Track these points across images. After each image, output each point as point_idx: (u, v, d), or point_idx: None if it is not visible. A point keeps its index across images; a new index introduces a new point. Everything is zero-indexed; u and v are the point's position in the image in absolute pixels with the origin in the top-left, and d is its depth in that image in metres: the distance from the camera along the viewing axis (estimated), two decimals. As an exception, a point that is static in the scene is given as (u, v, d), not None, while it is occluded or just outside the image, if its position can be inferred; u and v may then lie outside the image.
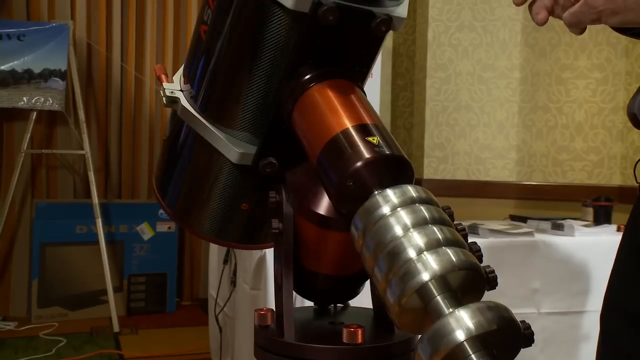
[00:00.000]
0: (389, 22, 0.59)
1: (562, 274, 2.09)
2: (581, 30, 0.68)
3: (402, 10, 0.61)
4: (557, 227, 2.21)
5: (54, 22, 3.30)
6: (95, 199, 3.17)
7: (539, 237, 2.12)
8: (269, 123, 0.63)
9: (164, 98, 0.70)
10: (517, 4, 0.72)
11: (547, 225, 2.26)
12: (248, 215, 0.72)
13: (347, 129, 0.54)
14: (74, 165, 3.57)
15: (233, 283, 2.06)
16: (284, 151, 0.64)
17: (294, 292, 0.61)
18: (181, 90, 0.71)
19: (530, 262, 2.07)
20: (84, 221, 3.31)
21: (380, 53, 0.63)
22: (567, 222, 2.23)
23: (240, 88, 0.63)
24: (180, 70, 0.74)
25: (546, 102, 3.13)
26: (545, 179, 3.14)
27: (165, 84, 0.71)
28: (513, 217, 2.56)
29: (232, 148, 0.64)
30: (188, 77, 0.70)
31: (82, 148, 3.25)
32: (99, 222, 3.16)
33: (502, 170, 3.17)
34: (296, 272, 0.60)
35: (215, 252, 2.39)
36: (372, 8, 0.59)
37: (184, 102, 0.69)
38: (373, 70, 0.71)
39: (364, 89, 0.65)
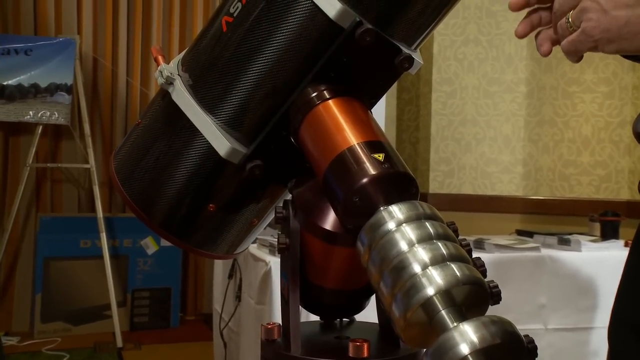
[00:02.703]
0: (412, 61, 0.62)
1: (569, 289, 2.08)
2: (578, 58, 0.71)
3: (419, 57, 0.64)
4: (564, 242, 2.21)
5: (60, 36, 3.34)
6: (100, 213, 3.19)
7: (545, 252, 2.13)
8: (271, 127, 0.63)
9: (160, 78, 0.68)
10: (514, 9, 0.74)
11: (553, 240, 2.26)
12: (213, 218, 0.69)
13: (354, 145, 0.56)
14: (78, 179, 3.59)
15: (238, 298, 2.06)
16: (274, 158, 0.64)
17: (300, 306, 0.62)
18: (179, 75, 0.69)
19: (537, 278, 2.07)
20: (88, 235, 3.33)
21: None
22: (574, 237, 2.24)
23: (254, 87, 0.63)
24: (178, 58, 0.73)
25: (552, 116, 3.14)
26: (551, 194, 3.14)
27: (163, 65, 0.69)
28: (519, 232, 2.56)
29: (224, 141, 0.63)
30: (188, 66, 0.69)
31: (87, 162, 3.27)
32: (103, 236, 3.17)
33: (509, 185, 3.17)
34: (302, 287, 0.61)
35: (220, 266, 2.40)
36: (401, 45, 0.61)
37: (180, 85, 0.67)
38: None
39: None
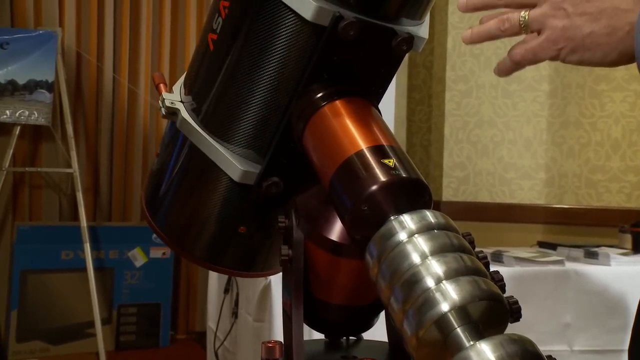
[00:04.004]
0: (411, 40, 0.61)
1: (596, 307, 2.08)
2: (512, 71, 0.73)
3: (424, 31, 0.64)
4: (591, 256, 2.21)
5: (40, 29, 3.36)
6: (83, 222, 3.20)
7: (570, 266, 2.13)
8: (277, 141, 0.65)
9: (162, 109, 0.71)
10: (463, 10, 0.75)
11: (579, 253, 2.26)
12: (246, 240, 0.73)
13: (362, 150, 0.56)
14: (60, 184, 3.61)
15: (235, 314, 2.07)
16: (290, 172, 0.65)
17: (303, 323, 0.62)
18: (181, 101, 0.72)
19: (561, 294, 2.07)
20: (70, 246, 3.33)
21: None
22: (602, 250, 2.24)
23: (249, 102, 0.65)
24: (181, 80, 0.75)
25: (578, 117, 3.15)
26: (577, 202, 3.14)
27: (164, 94, 0.72)
28: (541, 244, 2.56)
29: (235, 165, 0.66)
30: (190, 88, 0.72)
31: (69, 166, 3.28)
32: (87, 247, 3.18)
33: (530, 192, 3.18)
34: (306, 302, 0.62)
35: (214, 280, 2.41)
36: (394, 26, 0.61)
37: (184, 113, 0.70)
38: None
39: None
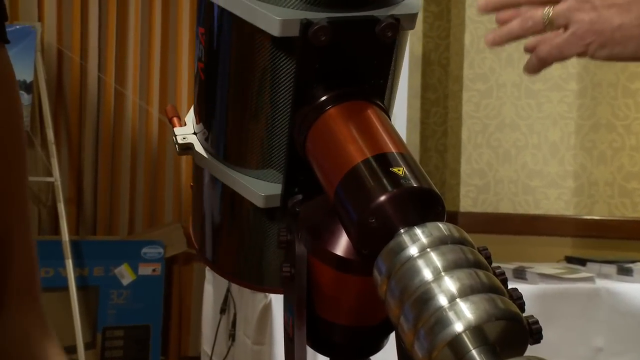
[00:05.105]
0: (396, 25, 0.61)
1: (632, 329, 2.08)
2: (539, 69, 0.74)
3: (411, 5, 0.63)
4: (625, 272, 2.21)
5: (17, 24, 3.38)
6: (65, 236, 3.21)
7: (601, 283, 2.13)
8: (288, 158, 0.66)
9: (176, 146, 0.74)
10: (483, 11, 0.77)
11: (611, 269, 2.26)
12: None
13: (368, 158, 0.57)
14: (39, 194, 3.62)
15: (232, 337, 2.08)
16: (312, 184, 0.67)
17: (307, 345, 0.63)
18: (194, 132, 0.75)
19: (592, 315, 2.07)
20: (50, 262, 3.35)
21: (407, 61, 0.66)
22: (638, 266, 2.24)
23: (249, 125, 0.68)
24: (192, 109, 0.79)
25: (610, 119, 3.15)
26: (610, 213, 3.14)
27: (176, 129, 0.75)
28: (569, 259, 2.56)
29: (256, 193, 0.68)
30: (199, 116, 0.75)
31: (50, 174, 3.30)
32: (69, 263, 3.19)
33: (556, 202, 3.18)
34: (310, 323, 0.63)
35: (209, 299, 2.42)
36: (373, 12, 0.61)
37: (198, 147, 0.74)
38: (399, 82, 0.75)
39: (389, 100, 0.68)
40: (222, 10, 0.64)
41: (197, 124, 0.75)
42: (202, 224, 0.81)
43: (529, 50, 0.81)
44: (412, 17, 0.63)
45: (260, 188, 0.68)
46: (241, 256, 0.79)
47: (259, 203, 0.69)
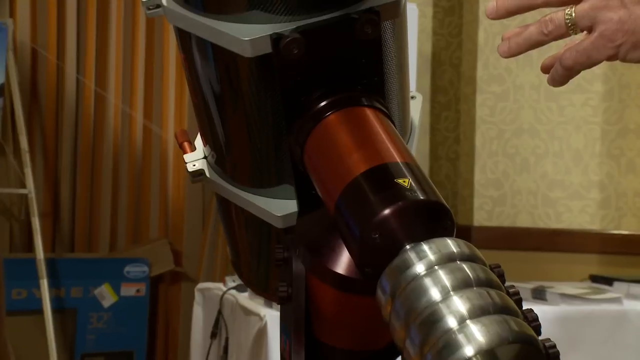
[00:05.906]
0: (375, 20, 0.61)
1: (662, 354, 2.08)
2: (566, 80, 0.74)
3: None
4: (655, 292, 2.22)
5: (-12, 21, 3.39)
6: (40, 254, 3.21)
7: (629, 305, 2.13)
8: (294, 174, 0.68)
9: (189, 174, 0.78)
10: (493, 17, 0.77)
11: (640, 288, 2.27)
12: None
13: (371, 169, 0.58)
14: (11, 208, 3.62)
15: (223, 364, 2.08)
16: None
17: (305, 371, 0.64)
18: (204, 157, 0.79)
19: (619, 339, 2.07)
20: (24, 283, 3.34)
21: (416, 61, 0.67)
22: (668, 285, 2.24)
23: (250, 144, 0.71)
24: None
25: None
26: (639, 227, 3.14)
27: (186, 156, 0.79)
28: (594, 278, 2.56)
29: (272, 214, 0.72)
30: (205, 139, 0.79)
31: (23, 186, 3.30)
32: (44, 283, 3.18)
33: (580, 215, 3.18)
34: (308, 347, 0.63)
35: (199, 322, 2.42)
36: (348, 10, 0.62)
37: (209, 172, 0.78)
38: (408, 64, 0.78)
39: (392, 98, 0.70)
40: (192, 35, 0.67)
41: (204, 146, 0.79)
42: (239, 248, 0.87)
43: (545, 70, 0.81)
44: (395, 5, 0.63)
45: (276, 208, 0.72)
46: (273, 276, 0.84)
47: (278, 224, 0.72)
